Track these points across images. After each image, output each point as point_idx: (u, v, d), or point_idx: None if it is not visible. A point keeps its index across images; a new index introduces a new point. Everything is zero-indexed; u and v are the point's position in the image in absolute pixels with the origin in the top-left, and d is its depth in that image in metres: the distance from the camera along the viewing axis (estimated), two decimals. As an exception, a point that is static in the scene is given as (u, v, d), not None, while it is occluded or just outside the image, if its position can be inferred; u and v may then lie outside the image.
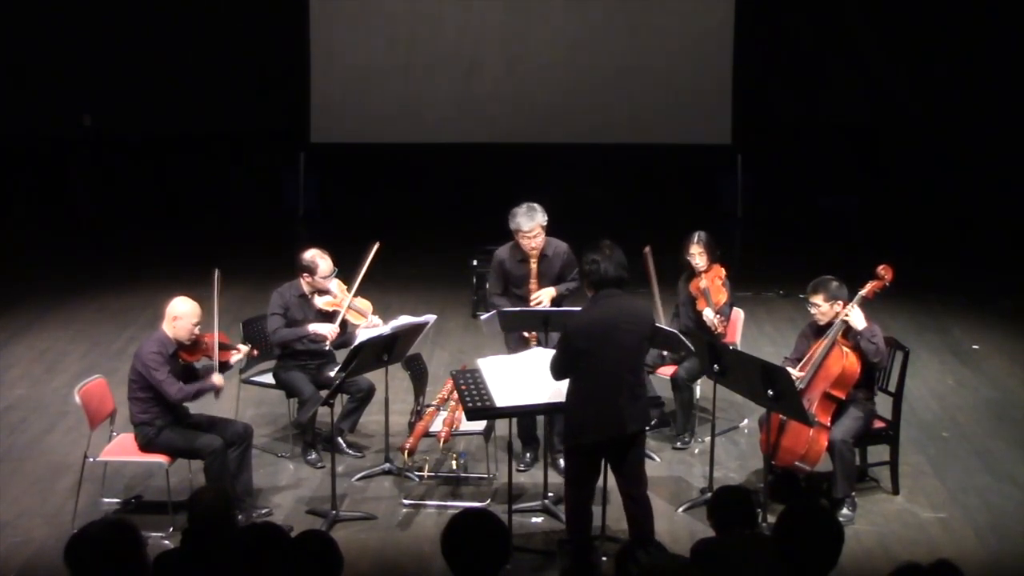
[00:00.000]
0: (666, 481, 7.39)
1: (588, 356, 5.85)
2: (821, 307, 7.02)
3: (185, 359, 6.94)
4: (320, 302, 7.68)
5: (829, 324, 6.99)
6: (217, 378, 6.95)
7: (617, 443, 6.01)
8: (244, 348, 7.24)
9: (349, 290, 7.71)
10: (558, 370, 5.98)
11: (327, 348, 7.71)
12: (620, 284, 5.96)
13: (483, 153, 15.13)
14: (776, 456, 6.92)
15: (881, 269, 7.09)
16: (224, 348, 7.09)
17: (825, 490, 7.01)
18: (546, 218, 7.38)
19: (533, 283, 7.48)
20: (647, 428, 6.29)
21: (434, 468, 7.45)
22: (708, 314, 7.75)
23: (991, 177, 14.70)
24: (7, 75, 14.83)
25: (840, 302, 6.98)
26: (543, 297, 7.42)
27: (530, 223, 7.33)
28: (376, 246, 7.69)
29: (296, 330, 7.60)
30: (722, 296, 7.85)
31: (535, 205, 7.39)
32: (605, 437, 5.97)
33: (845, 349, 6.88)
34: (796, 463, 6.90)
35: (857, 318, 6.88)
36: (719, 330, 7.72)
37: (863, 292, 7.01)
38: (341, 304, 7.66)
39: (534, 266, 7.47)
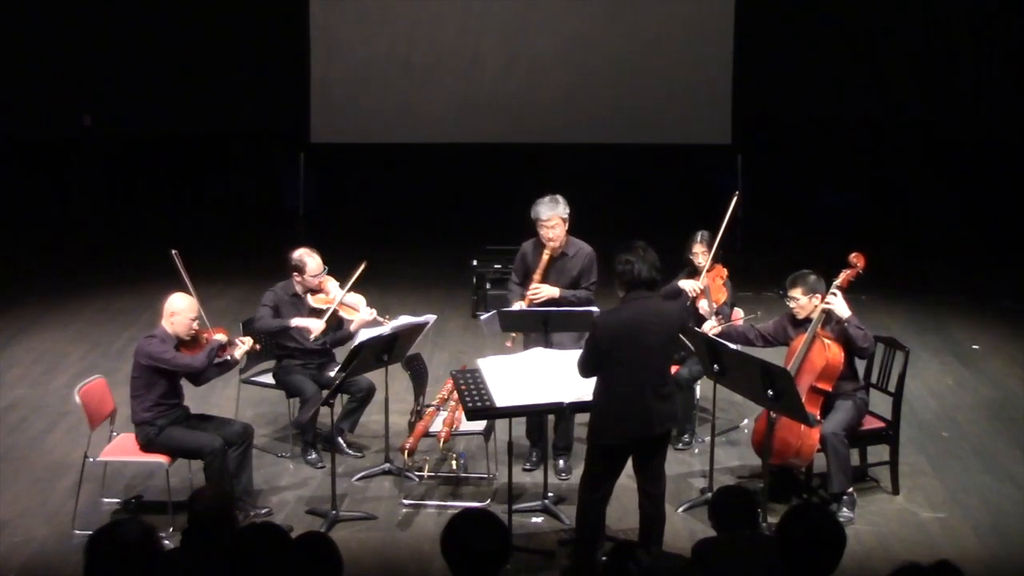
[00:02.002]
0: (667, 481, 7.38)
1: (613, 358, 5.87)
2: (800, 300, 7.05)
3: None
4: (313, 301, 7.68)
5: (807, 318, 7.00)
6: (223, 336, 7.00)
7: (645, 443, 6.01)
8: (247, 341, 7.22)
9: (342, 288, 7.70)
10: (584, 368, 6.00)
11: (314, 344, 7.65)
12: (652, 286, 6.00)
13: (483, 153, 15.12)
14: (770, 454, 6.90)
15: (853, 257, 7.09)
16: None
17: (818, 486, 7.01)
18: (567, 211, 7.42)
19: (537, 275, 7.48)
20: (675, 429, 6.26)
21: (434, 468, 7.45)
22: (704, 306, 7.74)
23: (992, 176, 14.70)
24: (7, 75, 14.83)
25: (818, 295, 7.01)
26: (543, 291, 7.41)
27: (549, 212, 7.36)
28: (363, 266, 7.64)
29: (279, 320, 7.60)
30: (721, 295, 7.86)
31: (559, 197, 7.45)
32: (628, 439, 5.96)
33: (827, 341, 6.90)
34: (790, 459, 6.89)
35: (840, 306, 6.88)
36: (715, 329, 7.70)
37: (838, 282, 7.01)
38: (333, 301, 7.67)
39: (546, 257, 7.47)
